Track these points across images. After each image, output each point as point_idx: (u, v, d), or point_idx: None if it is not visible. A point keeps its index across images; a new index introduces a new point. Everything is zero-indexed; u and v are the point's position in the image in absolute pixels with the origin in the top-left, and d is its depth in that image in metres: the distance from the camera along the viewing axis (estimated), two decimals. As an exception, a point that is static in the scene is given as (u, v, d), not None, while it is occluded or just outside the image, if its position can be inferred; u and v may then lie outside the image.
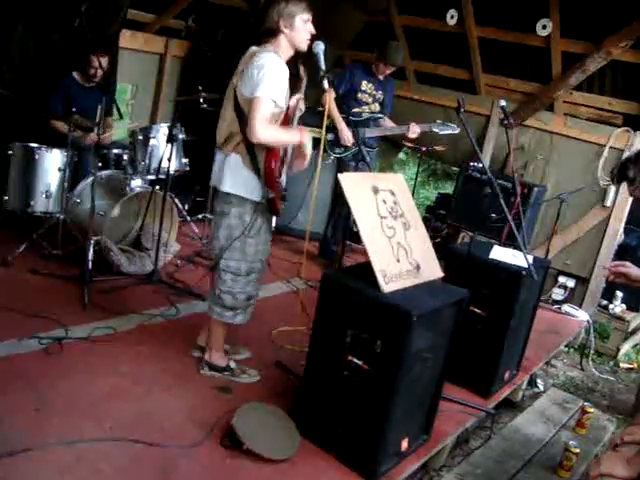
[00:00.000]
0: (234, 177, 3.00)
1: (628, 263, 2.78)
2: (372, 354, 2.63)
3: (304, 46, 3.03)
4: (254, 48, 3.03)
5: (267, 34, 3.01)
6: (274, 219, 3.40)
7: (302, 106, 3.30)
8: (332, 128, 5.03)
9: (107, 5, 5.23)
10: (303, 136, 3.04)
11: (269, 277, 5.01)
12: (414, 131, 5.03)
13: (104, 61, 4.79)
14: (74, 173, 4.56)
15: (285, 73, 2.94)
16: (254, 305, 3.32)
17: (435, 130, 5.05)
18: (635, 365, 5.46)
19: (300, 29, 3.00)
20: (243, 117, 2.91)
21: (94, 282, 4.06)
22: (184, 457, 2.63)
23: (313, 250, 5.80)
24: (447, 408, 3.33)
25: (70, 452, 2.51)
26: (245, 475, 2.62)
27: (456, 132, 5.04)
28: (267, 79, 2.84)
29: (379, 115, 5.25)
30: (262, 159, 2.95)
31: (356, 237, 4.76)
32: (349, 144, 5.05)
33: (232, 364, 3.36)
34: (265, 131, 2.84)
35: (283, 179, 3.13)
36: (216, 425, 2.86)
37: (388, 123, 5.27)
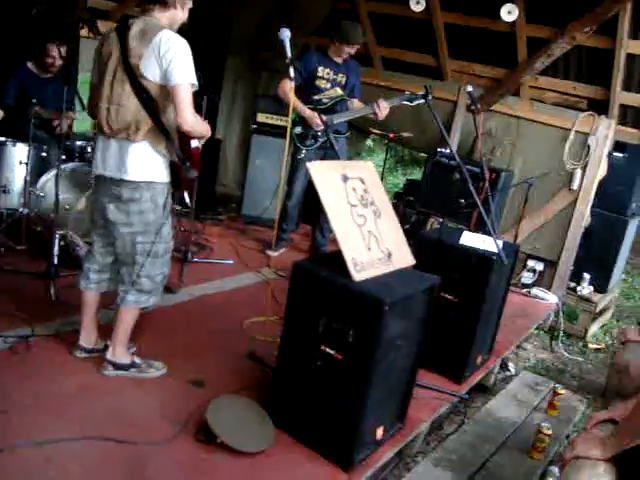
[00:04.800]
0: (143, 164, 2.87)
1: None
2: (345, 343, 2.61)
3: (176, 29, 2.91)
4: (140, 22, 2.79)
5: (147, 6, 2.84)
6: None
7: None
8: (298, 121, 4.97)
9: (66, -7, 5.12)
10: (209, 130, 2.98)
11: (239, 268, 4.99)
12: (383, 107, 4.77)
13: (63, 51, 4.68)
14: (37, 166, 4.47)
15: None
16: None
17: (405, 102, 4.72)
18: (603, 345, 5.55)
19: (186, 12, 2.93)
20: (151, 102, 2.78)
21: (60, 277, 3.97)
22: (157, 453, 2.59)
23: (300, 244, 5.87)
24: (421, 395, 3.33)
25: (39, 453, 2.46)
26: (221, 469, 2.60)
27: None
28: (184, 63, 2.72)
29: (344, 99, 5.13)
30: (177, 142, 2.85)
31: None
32: (319, 128, 4.91)
33: (136, 359, 3.19)
34: (195, 118, 2.78)
35: None
36: (189, 419, 2.83)
37: (356, 105, 5.16)
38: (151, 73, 2.74)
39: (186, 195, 3.32)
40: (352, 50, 5.05)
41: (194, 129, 2.81)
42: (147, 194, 2.92)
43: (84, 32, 5.51)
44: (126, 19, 2.83)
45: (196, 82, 2.79)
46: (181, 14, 2.92)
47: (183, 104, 2.72)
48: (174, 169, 2.93)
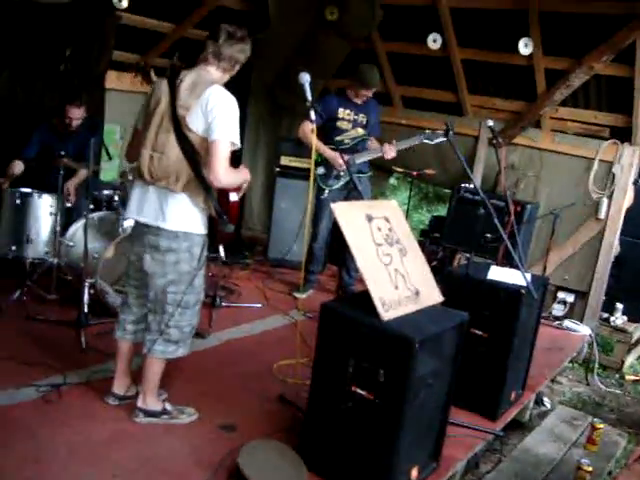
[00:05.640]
0: (182, 215, 2.89)
1: None
2: (376, 383, 2.59)
3: None
4: (194, 74, 2.90)
5: (207, 57, 2.96)
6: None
7: None
8: (321, 162, 5.03)
9: (92, 48, 5.28)
10: (248, 174, 3.08)
11: (267, 311, 4.99)
12: (390, 150, 4.93)
13: (81, 112, 4.84)
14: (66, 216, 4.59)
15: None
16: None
17: (426, 141, 4.82)
18: (641, 377, 5.43)
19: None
20: (193, 155, 2.81)
21: (90, 325, 4.01)
22: (190, 501, 2.58)
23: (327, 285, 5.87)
24: (455, 433, 3.28)
25: (73, 503, 2.46)
26: (254, 515, 2.57)
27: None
28: (228, 120, 2.78)
29: (365, 138, 5.19)
30: (215, 196, 2.87)
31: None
32: (342, 168, 4.95)
33: (168, 406, 3.18)
34: (227, 175, 2.81)
35: None
36: (221, 465, 2.81)
37: (372, 145, 5.22)
38: (195, 125, 2.79)
39: (221, 248, 3.34)
40: (369, 93, 5.12)
41: (226, 185, 2.86)
42: (185, 244, 2.93)
43: (110, 84, 5.69)
44: (178, 69, 2.91)
45: (237, 141, 2.83)
46: (228, 77, 3.03)
47: (218, 161, 2.75)
48: (210, 222, 2.97)
